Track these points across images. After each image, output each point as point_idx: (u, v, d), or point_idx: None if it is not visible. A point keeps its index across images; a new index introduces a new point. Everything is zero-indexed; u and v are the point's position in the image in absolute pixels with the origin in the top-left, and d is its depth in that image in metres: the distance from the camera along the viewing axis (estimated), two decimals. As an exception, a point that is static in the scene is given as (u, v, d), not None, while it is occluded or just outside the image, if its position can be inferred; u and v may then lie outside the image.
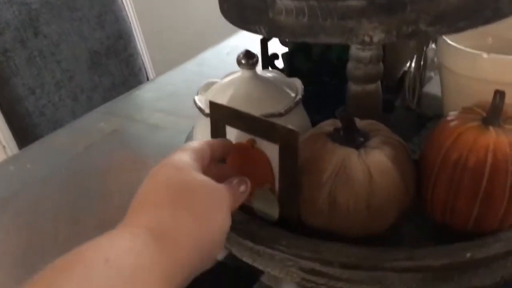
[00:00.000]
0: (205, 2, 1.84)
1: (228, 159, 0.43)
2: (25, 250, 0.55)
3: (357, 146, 0.40)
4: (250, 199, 0.43)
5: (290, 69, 0.64)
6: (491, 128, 0.38)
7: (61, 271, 0.25)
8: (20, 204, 0.63)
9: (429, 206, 0.42)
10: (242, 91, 0.49)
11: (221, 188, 0.35)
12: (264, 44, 0.65)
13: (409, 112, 0.63)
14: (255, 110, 0.42)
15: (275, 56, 0.66)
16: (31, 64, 0.99)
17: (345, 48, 0.51)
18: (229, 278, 0.46)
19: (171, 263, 0.29)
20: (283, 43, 0.66)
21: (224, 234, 0.33)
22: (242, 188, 0.38)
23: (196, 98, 0.50)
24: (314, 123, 0.47)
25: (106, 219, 0.56)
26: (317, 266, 0.40)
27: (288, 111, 0.46)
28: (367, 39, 0.36)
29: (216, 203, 0.34)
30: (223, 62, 0.99)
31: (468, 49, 0.49)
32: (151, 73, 1.29)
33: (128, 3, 1.23)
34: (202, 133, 0.49)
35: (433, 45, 0.64)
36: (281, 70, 0.65)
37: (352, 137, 0.41)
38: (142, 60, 1.24)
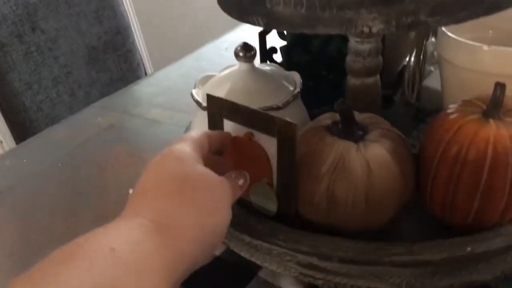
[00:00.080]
0: (203, -3, 1.84)
1: (226, 153, 0.43)
2: (22, 245, 0.54)
3: (356, 139, 0.40)
4: (247, 193, 0.43)
5: (288, 63, 0.64)
6: (491, 121, 0.38)
7: (59, 263, 0.25)
8: (17, 199, 0.63)
9: (429, 200, 0.42)
10: (240, 84, 0.48)
11: (222, 181, 0.35)
12: (262, 38, 0.64)
13: (408, 106, 0.63)
14: (253, 103, 0.42)
15: (274, 50, 0.66)
16: (28, 59, 0.98)
17: (344, 41, 0.50)
18: (227, 273, 0.46)
19: (173, 254, 0.29)
20: (281, 36, 0.65)
21: (225, 226, 0.33)
22: (241, 181, 0.38)
23: (194, 91, 0.49)
24: (312, 117, 0.47)
25: (103, 213, 0.56)
26: (315, 261, 0.40)
27: (286, 105, 0.46)
28: (366, 29, 0.35)
29: (218, 195, 0.34)
30: (221, 57, 0.98)
31: (468, 41, 0.48)
32: (149, 68, 1.29)
33: (126, -2, 1.22)
34: (200, 126, 0.49)
35: (433, 39, 0.64)
36: (280, 64, 0.64)
37: (351, 131, 0.41)
38: (140, 55, 1.24)
